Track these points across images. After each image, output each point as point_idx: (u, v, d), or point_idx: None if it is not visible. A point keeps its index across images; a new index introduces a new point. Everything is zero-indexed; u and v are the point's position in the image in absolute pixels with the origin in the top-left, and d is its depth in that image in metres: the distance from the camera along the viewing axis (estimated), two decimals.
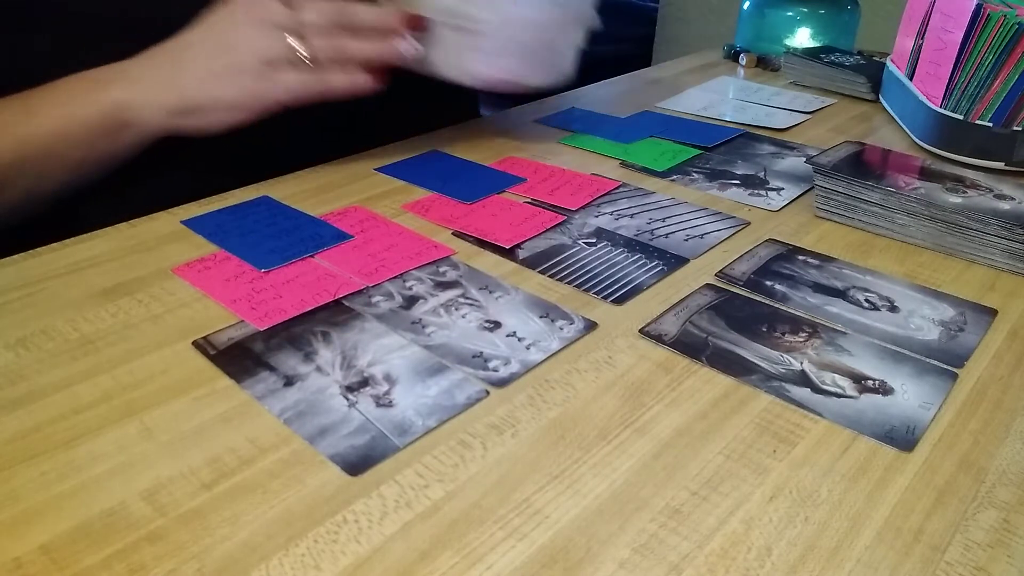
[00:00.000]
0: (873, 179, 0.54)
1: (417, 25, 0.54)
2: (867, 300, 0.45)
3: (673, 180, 0.61)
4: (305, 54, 0.49)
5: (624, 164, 0.64)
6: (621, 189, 0.59)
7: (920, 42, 0.73)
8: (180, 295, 0.43)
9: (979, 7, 0.62)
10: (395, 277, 0.45)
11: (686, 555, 0.28)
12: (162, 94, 0.50)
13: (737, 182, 0.61)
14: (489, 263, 0.48)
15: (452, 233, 0.51)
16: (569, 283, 0.46)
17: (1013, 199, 0.53)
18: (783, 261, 0.50)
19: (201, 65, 0.49)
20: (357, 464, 0.32)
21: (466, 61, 0.53)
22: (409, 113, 0.65)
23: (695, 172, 0.63)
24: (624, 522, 0.30)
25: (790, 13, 0.99)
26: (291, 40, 0.49)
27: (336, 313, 0.42)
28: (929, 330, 0.43)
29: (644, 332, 0.41)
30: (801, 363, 0.39)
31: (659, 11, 1.98)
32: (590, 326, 0.42)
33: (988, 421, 0.36)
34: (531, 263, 0.48)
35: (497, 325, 0.41)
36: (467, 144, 0.66)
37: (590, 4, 0.59)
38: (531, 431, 0.34)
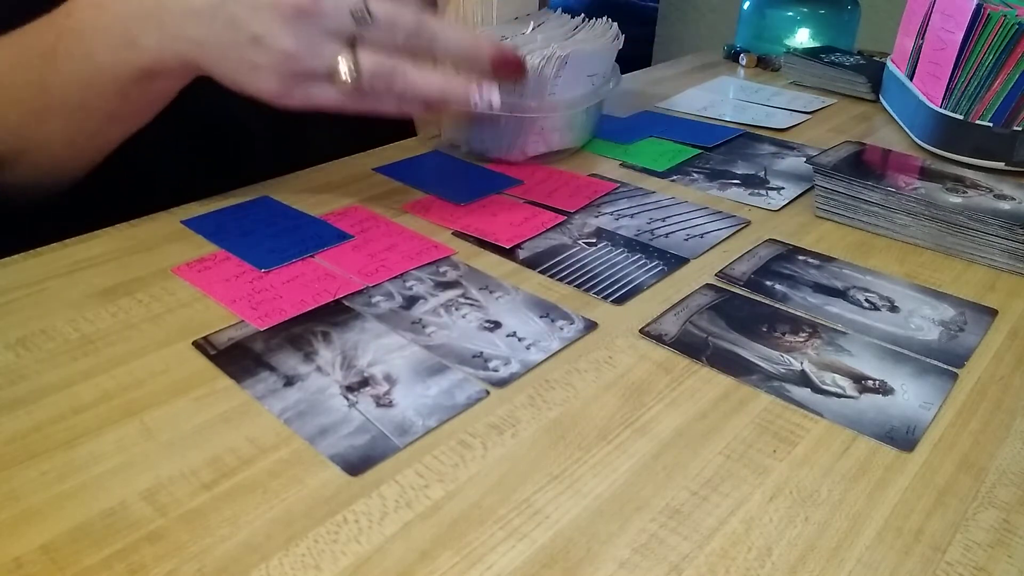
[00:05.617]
0: (873, 179, 0.54)
1: (512, 65, 0.47)
2: (867, 300, 0.45)
3: (673, 180, 0.61)
4: (350, 77, 0.41)
5: (624, 164, 0.64)
6: (621, 189, 0.59)
7: (920, 42, 0.73)
8: (180, 295, 0.43)
9: (979, 7, 0.62)
10: (395, 277, 0.45)
11: (686, 555, 0.28)
12: (191, 55, 0.43)
13: (737, 182, 0.61)
14: (489, 263, 0.48)
15: (452, 233, 0.51)
16: (569, 283, 0.46)
17: (1013, 199, 0.53)
18: (783, 261, 0.49)
19: (219, 45, 0.42)
20: (357, 464, 0.32)
21: (520, 143, 0.60)
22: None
23: (695, 172, 0.63)
24: (624, 522, 0.30)
25: (790, 13, 0.99)
26: (340, 58, 0.41)
27: (336, 313, 0.42)
28: (929, 330, 0.43)
29: (644, 332, 0.41)
30: (801, 363, 0.39)
31: (659, 11, 1.98)
32: (590, 326, 0.42)
33: (988, 421, 0.36)
34: (531, 263, 0.48)
35: (497, 325, 0.41)
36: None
37: (611, 64, 0.64)
38: (531, 431, 0.34)
